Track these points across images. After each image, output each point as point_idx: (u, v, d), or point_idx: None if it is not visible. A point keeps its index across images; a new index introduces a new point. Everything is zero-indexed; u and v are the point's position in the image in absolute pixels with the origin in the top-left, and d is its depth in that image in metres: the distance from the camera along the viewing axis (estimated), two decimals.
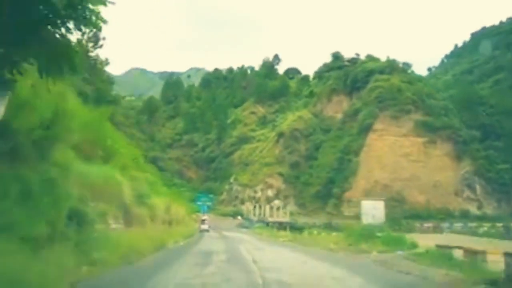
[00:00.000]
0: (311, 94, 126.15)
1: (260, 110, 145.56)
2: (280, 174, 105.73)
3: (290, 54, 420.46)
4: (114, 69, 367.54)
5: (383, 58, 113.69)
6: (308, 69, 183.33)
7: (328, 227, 71.97)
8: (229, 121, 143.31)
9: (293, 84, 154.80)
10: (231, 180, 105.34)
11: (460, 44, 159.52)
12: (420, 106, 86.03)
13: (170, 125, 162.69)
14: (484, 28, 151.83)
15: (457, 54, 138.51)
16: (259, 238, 39.69)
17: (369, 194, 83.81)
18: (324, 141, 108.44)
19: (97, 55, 54.99)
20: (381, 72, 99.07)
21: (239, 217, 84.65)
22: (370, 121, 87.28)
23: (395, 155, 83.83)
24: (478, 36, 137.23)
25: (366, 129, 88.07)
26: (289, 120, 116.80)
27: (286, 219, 69.40)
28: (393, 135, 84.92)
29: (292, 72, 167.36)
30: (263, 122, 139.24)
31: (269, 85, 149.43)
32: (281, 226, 61.89)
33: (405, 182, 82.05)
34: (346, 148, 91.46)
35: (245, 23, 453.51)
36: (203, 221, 54.24)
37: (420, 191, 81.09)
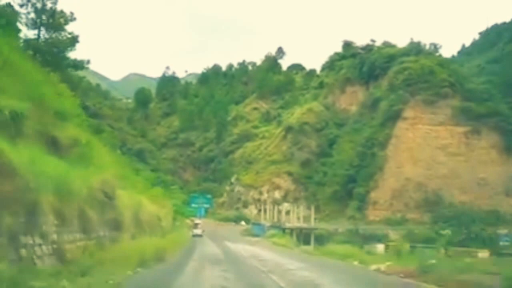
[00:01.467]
0: (321, 85, 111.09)
1: (263, 106, 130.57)
2: (289, 174, 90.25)
3: (292, 50, 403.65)
4: (112, 75, 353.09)
5: (401, 44, 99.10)
6: (313, 64, 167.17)
7: (354, 234, 56.49)
8: (229, 118, 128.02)
9: (298, 79, 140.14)
10: (233, 180, 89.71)
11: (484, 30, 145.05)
12: (459, 89, 70.94)
13: (165, 123, 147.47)
14: None
15: (485, 40, 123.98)
16: (289, 256, 23.93)
17: (399, 194, 68.42)
18: (338, 135, 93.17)
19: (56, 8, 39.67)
20: (407, 54, 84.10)
21: (243, 223, 68.86)
22: (398, 108, 71.98)
23: (430, 148, 68.59)
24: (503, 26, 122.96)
25: (393, 118, 72.85)
26: (297, 113, 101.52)
27: (305, 224, 53.97)
28: (427, 124, 69.78)
29: (296, 68, 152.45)
30: (266, 118, 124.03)
31: (273, 79, 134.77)
32: (300, 233, 46.46)
33: (443, 179, 66.74)
34: (369, 141, 76.07)
35: (244, 23, 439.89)
36: (196, 225, 47.96)
37: (461, 190, 65.82)
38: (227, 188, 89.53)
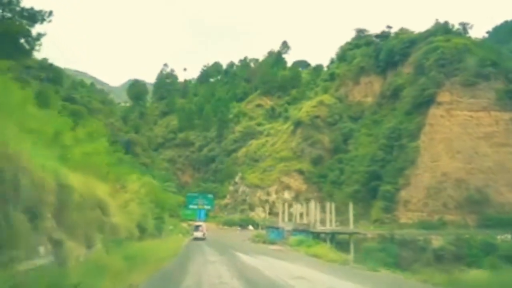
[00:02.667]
0: (332, 77, 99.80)
1: (268, 102, 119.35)
2: (300, 172, 78.71)
3: (296, 47, 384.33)
4: (112, 80, 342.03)
5: (419, 29, 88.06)
6: (318, 60, 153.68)
7: (389, 240, 44.90)
8: (231, 116, 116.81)
9: (304, 74, 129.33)
10: (237, 179, 77.98)
11: None
12: (502, 71, 59.73)
13: (163, 122, 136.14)
14: None
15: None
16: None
17: (436, 193, 56.82)
18: (354, 129, 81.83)
19: None
20: (433, 34, 73.06)
21: (251, 227, 57.07)
22: (431, 92, 60.57)
23: (471, 137, 57.17)
24: None
25: (425, 104, 61.43)
26: (307, 107, 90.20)
27: (338, 227, 42.30)
28: (467, 110, 58.38)
29: (301, 64, 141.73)
30: (271, 115, 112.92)
31: (277, 75, 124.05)
32: (333, 238, 34.71)
33: (487, 174, 55.21)
34: (394, 132, 64.78)
35: (244, 21, 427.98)
36: (196, 228, 41.48)
37: (510, 187, 54.21)
38: (231, 188, 77.77)
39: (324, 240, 32.94)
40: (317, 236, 34.55)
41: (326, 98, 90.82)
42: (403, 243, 45.29)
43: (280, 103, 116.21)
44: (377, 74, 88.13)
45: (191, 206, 53.90)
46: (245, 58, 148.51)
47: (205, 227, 41.91)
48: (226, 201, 76.67)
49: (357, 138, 78.37)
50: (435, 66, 62.51)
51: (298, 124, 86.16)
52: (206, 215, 65.21)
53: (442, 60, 62.23)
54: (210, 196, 56.50)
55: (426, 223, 54.49)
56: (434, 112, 59.75)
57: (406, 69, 77.02)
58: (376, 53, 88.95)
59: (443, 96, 59.82)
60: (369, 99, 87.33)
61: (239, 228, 56.87)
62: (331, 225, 45.01)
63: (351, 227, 39.44)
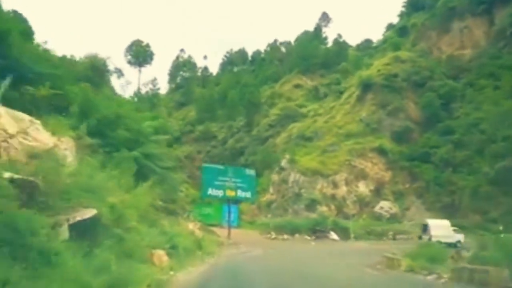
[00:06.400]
0: (403, 31, 71.33)
1: (308, 82, 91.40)
2: (380, 151, 49.42)
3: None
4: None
5: None
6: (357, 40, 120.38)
7: None
8: (262, 100, 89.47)
9: (352, 51, 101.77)
10: (283, 163, 48.60)
11: None
12: None
13: (179, 114, 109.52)
14: None
15: None
16: None
17: None
18: (456, 88, 52.46)
19: None
20: None
21: (333, 234, 27.62)
22: None
23: None
24: None
25: None
26: (378, 65, 61.77)
27: None
28: None
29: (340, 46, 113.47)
30: (315, 96, 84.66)
31: (319, 50, 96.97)
32: None
33: None
34: None
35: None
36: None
37: None
38: (274, 177, 48.53)
39: None
40: None
41: (403, 54, 62.03)
42: None
43: (324, 82, 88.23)
44: (476, 15, 59.28)
45: (211, 191, 25.35)
46: (275, 41, 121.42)
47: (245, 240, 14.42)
48: (268, 196, 47.51)
49: (471, 97, 48.96)
50: None
51: (366, 87, 57.32)
52: (237, 215, 37.05)
53: None
54: (249, 172, 27.81)
55: None
56: None
57: None
58: None
59: None
60: (468, 51, 58.25)
61: (311, 237, 27.33)
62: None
63: None
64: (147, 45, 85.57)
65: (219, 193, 25.37)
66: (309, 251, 22.00)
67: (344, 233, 27.71)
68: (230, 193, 25.81)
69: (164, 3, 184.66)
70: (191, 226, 17.20)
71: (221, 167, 29.63)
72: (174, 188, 20.21)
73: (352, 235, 27.85)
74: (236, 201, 31.94)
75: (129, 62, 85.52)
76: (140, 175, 14.01)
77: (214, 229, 29.64)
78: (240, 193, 26.49)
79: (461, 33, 60.51)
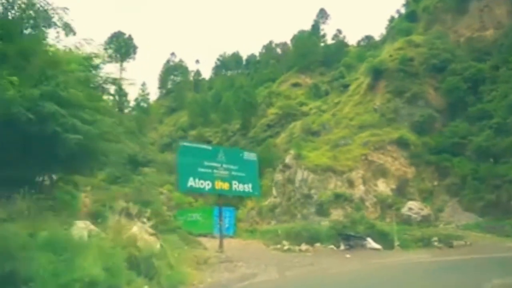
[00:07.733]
0: (412, 16, 64.48)
1: (307, 81, 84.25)
2: (401, 144, 41.49)
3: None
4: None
5: None
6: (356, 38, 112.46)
7: None
8: (260, 100, 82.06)
9: (353, 48, 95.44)
10: (287, 160, 40.42)
11: None
12: None
13: (170, 120, 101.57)
14: None
15: None
16: None
17: None
18: (483, 70, 44.95)
19: None
20: None
21: (371, 241, 19.14)
22: None
23: None
24: None
25: None
26: (389, 51, 54.50)
27: None
28: None
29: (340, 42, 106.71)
30: (316, 93, 77.05)
31: (318, 47, 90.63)
32: None
33: None
34: None
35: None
36: None
37: None
38: (278, 177, 40.22)
39: None
40: None
41: (416, 37, 54.81)
42: None
43: (325, 80, 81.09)
44: None
45: (193, 184, 16.97)
46: (270, 42, 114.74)
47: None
48: (271, 200, 39.17)
49: (501, 79, 41.45)
50: None
51: (378, 73, 49.76)
52: (233, 220, 29.46)
53: None
54: (248, 155, 19.70)
55: None
56: None
57: None
58: None
59: None
60: (490, 32, 51.15)
61: (341, 247, 18.65)
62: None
63: None
64: (130, 37, 77.72)
65: (205, 184, 17.00)
66: (364, 274, 13.06)
67: (383, 240, 19.57)
68: (222, 185, 17.57)
69: (152, 6, 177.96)
70: (135, 229, 8.72)
71: (208, 147, 21.44)
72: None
73: (396, 243, 19.65)
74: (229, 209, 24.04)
75: (110, 57, 77.37)
76: None
77: (204, 239, 21.39)
78: (237, 186, 18.17)
79: (481, 14, 53.55)
